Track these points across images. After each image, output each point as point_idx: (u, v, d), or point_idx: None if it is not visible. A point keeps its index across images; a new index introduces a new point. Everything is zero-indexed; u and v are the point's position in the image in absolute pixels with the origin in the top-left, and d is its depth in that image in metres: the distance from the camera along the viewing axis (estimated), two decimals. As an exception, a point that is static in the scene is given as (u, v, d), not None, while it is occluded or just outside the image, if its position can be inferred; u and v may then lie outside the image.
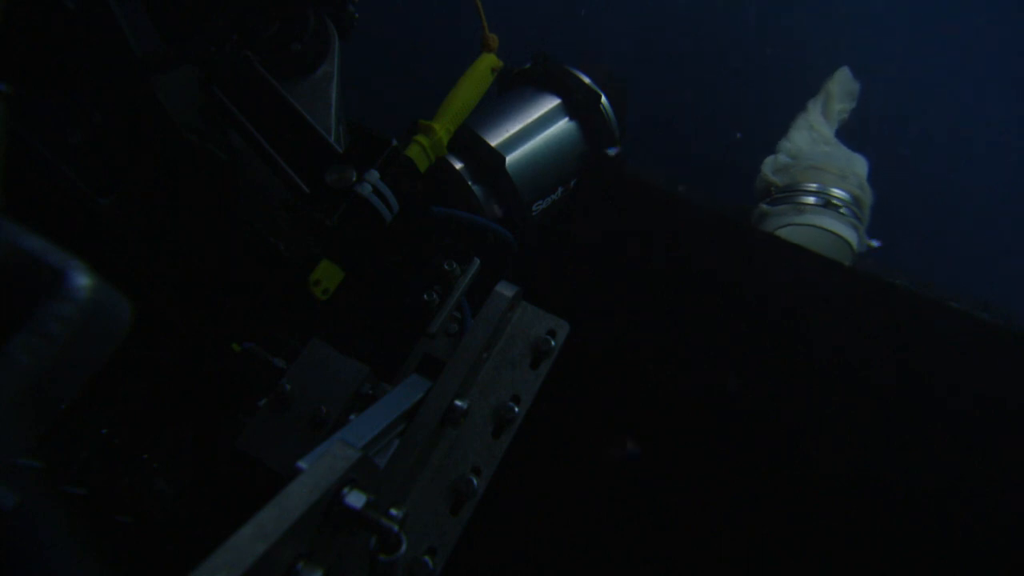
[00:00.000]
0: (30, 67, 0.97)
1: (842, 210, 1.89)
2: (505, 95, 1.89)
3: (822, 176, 1.96)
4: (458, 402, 0.87)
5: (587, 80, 1.86)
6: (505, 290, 0.95)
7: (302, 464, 0.68)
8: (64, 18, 0.99)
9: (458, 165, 1.64)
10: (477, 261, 1.22)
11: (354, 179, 1.12)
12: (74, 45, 1.00)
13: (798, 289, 1.18)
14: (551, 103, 1.83)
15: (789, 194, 1.96)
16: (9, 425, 0.60)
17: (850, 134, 2.19)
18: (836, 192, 1.92)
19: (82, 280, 0.65)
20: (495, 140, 1.69)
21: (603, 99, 1.85)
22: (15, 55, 0.95)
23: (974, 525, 0.96)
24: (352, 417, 0.96)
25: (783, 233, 1.84)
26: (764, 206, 1.97)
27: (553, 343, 0.97)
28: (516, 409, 0.92)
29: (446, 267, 1.20)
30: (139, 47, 1.08)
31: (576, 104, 1.82)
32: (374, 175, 1.14)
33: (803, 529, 0.96)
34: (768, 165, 2.09)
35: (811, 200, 1.92)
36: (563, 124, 1.82)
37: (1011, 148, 2.97)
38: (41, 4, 0.97)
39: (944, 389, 1.06)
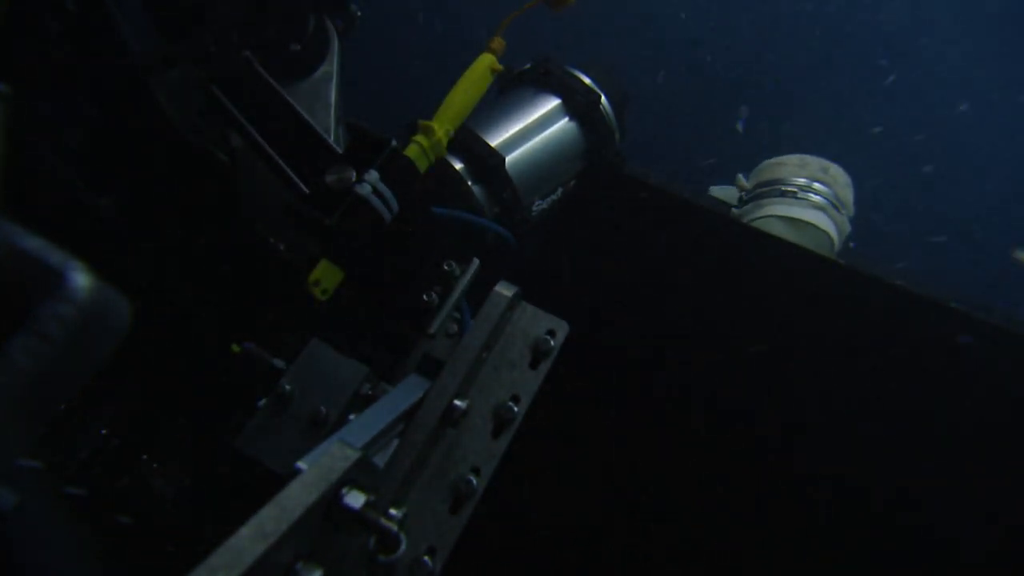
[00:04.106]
0: (30, 67, 0.97)
1: (799, 195, 1.89)
2: (505, 95, 1.89)
3: (780, 170, 1.97)
4: (457, 402, 0.87)
5: (587, 80, 1.86)
6: (504, 290, 0.95)
7: (301, 464, 0.68)
8: (64, 19, 0.99)
9: (458, 165, 1.64)
10: (476, 261, 1.22)
11: (354, 179, 1.12)
12: (74, 45, 1.00)
13: (795, 286, 1.18)
14: (551, 103, 1.83)
15: (753, 193, 1.98)
16: (9, 425, 0.60)
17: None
18: (796, 181, 1.93)
19: (81, 281, 0.65)
20: (495, 140, 1.69)
21: (603, 99, 1.85)
22: (15, 55, 0.95)
23: (973, 527, 0.96)
24: (352, 417, 0.97)
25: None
26: (734, 210, 2.01)
27: (552, 343, 0.97)
28: (516, 409, 0.92)
29: (445, 267, 1.20)
30: (139, 47, 1.08)
31: (576, 104, 1.82)
32: (373, 175, 1.14)
33: (799, 528, 0.96)
34: (740, 176, 2.11)
35: (770, 192, 1.92)
36: (563, 124, 1.82)
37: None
38: (41, 4, 0.97)
39: (944, 389, 1.06)
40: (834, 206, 1.90)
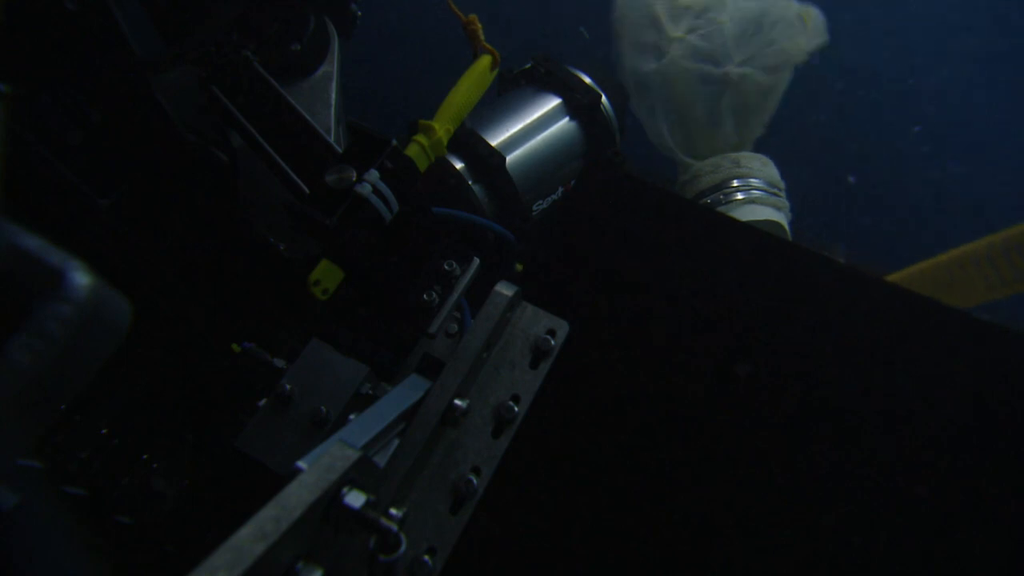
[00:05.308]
0: (30, 67, 0.97)
1: (737, 197, 1.85)
2: (506, 95, 1.89)
3: (700, 182, 1.93)
4: (458, 402, 0.87)
5: (588, 80, 1.86)
6: (505, 290, 0.95)
7: (301, 464, 0.68)
8: (64, 18, 0.99)
9: (458, 165, 1.64)
10: (477, 261, 1.22)
11: (354, 179, 1.12)
12: (74, 45, 1.01)
13: (796, 286, 1.18)
14: (552, 103, 1.83)
15: None
16: (9, 425, 0.60)
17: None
18: (728, 185, 1.88)
19: (82, 280, 0.65)
20: (495, 140, 1.69)
21: (604, 99, 1.85)
22: (15, 55, 0.95)
23: (969, 529, 0.96)
24: (352, 417, 0.97)
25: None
26: None
27: (553, 343, 0.97)
28: (516, 409, 0.92)
29: (446, 267, 1.20)
30: (139, 47, 1.08)
31: (577, 104, 1.82)
32: (374, 175, 1.14)
33: (799, 528, 0.96)
34: None
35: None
36: (563, 124, 1.82)
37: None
38: (41, 4, 0.97)
39: (945, 389, 1.06)
40: (768, 192, 1.87)
